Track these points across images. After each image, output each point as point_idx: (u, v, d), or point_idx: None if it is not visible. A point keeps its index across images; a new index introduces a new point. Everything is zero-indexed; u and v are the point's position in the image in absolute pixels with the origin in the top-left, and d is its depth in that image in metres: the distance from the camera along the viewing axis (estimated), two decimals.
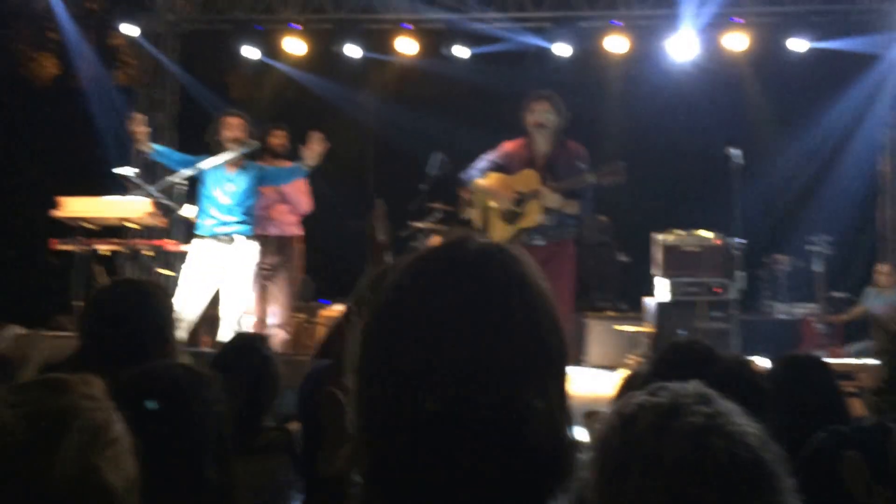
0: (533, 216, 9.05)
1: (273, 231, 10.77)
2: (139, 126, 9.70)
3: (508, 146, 9.48)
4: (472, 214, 9.76)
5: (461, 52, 14.70)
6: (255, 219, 10.34)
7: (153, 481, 2.44)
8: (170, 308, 4.11)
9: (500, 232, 9.19)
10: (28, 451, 1.78)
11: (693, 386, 1.76)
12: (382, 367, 1.58)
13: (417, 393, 1.51)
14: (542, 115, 9.22)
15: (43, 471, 1.77)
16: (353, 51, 14.81)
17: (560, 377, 1.61)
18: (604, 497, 1.70)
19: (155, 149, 9.95)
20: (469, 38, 14.71)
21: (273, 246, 10.70)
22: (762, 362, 6.93)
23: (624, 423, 1.72)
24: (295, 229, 10.95)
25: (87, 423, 1.87)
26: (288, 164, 10.36)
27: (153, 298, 3.99)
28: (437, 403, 1.50)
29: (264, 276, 10.66)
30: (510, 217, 9.23)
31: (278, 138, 11.09)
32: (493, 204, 9.41)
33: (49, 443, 1.80)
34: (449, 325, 1.54)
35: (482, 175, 9.47)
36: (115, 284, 4.24)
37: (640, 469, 1.64)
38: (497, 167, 9.42)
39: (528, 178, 9.15)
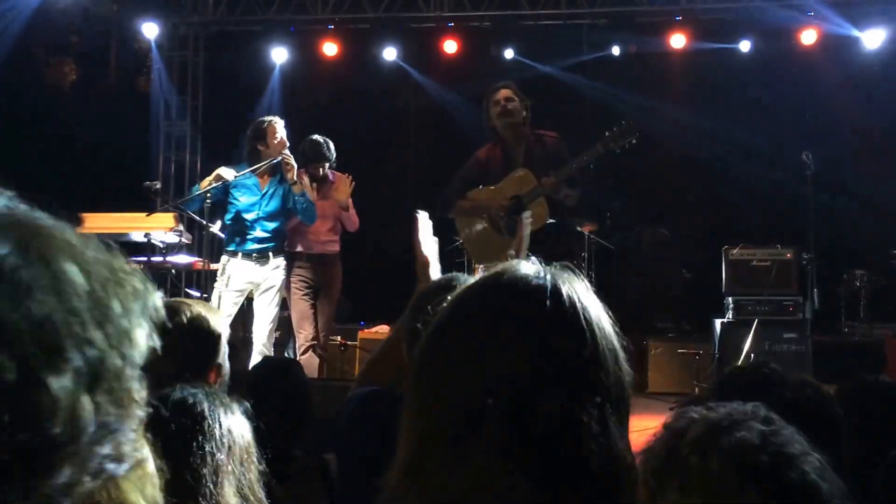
0: (539, 218, 8.61)
1: (315, 249, 10.67)
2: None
3: (480, 154, 9.31)
4: (462, 237, 9.59)
5: (509, 52, 14.78)
6: (294, 235, 10.51)
7: None
8: (218, 333, 4.16)
9: (500, 247, 8.70)
10: None
11: (753, 406, 1.81)
12: (440, 387, 1.66)
13: (477, 412, 1.59)
14: (507, 104, 9.01)
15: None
16: (390, 52, 14.93)
17: (620, 400, 1.67)
18: None
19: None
20: (518, 37, 14.79)
21: (313, 265, 10.67)
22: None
23: (671, 436, 1.79)
24: (336, 247, 10.85)
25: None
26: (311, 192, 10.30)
27: (203, 323, 4.03)
28: (494, 423, 1.57)
29: (304, 296, 10.63)
30: (510, 228, 8.87)
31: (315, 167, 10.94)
32: (480, 225, 9.23)
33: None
34: (510, 351, 1.61)
35: (458, 196, 9.28)
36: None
37: (680, 483, 1.71)
38: (474, 181, 9.24)
39: (521, 179, 8.93)
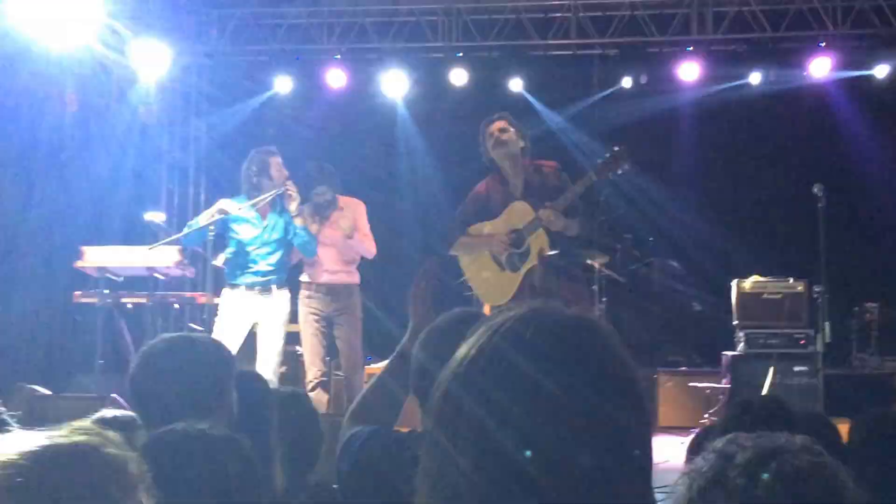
0: (541, 250, 8.75)
1: (321, 278, 10.71)
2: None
3: (480, 189, 9.32)
4: (466, 275, 9.53)
5: (517, 83, 14.87)
6: (303, 264, 10.65)
7: None
8: (231, 365, 4.26)
9: (505, 283, 8.98)
10: (49, 481, 2.01)
11: (802, 438, 1.81)
12: (461, 438, 1.65)
13: (499, 459, 1.60)
14: (500, 135, 9.04)
15: (64, 499, 2.00)
16: (397, 81, 15.10)
17: (646, 445, 1.72)
18: None
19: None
20: (525, 67, 14.89)
21: (321, 295, 10.69)
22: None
23: (719, 458, 1.79)
24: (348, 277, 10.83)
25: (106, 457, 2.09)
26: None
27: (212, 355, 4.14)
28: (520, 471, 1.58)
29: (312, 329, 10.66)
30: (512, 263, 8.95)
31: (320, 196, 10.93)
32: (482, 261, 9.19)
33: (69, 474, 2.03)
34: (538, 395, 1.61)
35: (462, 232, 9.27)
36: (169, 340, 4.25)
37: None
38: (475, 216, 9.22)
39: (518, 212, 8.90)
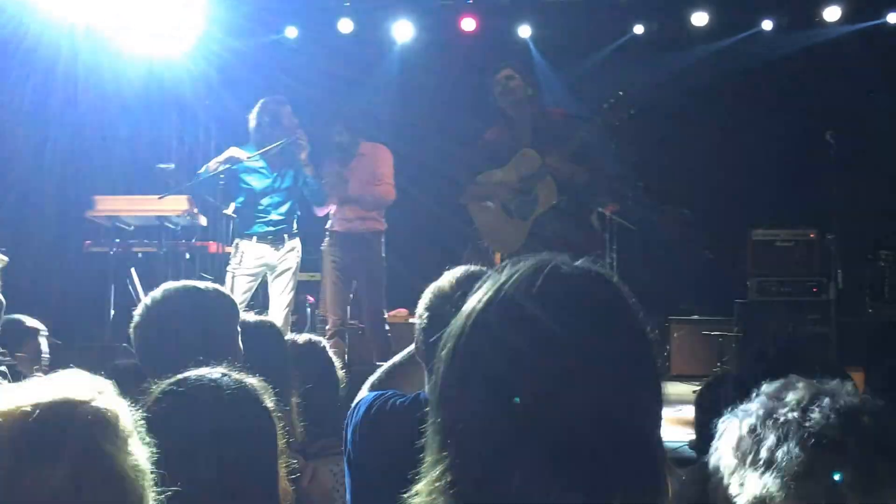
0: (548, 198, 8.81)
1: (338, 226, 10.75)
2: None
3: (489, 136, 9.36)
4: (477, 224, 9.59)
5: (526, 30, 14.83)
6: (330, 213, 10.68)
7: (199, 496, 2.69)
8: (235, 314, 4.27)
9: (514, 231, 9.01)
10: (35, 439, 2.02)
11: (848, 383, 1.91)
12: (472, 392, 1.67)
13: (511, 414, 1.62)
14: (507, 83, 9.08)
15: (52, 457, 2.01)
16: (406, 29, 15.04)
17: (656, 397, 1.73)
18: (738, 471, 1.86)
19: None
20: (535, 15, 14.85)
21: (340, 243, 10.72)
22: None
23: (769, 398, 1.88)
24: (366, 224, 10.75)
25: (95, 411, 2.10)
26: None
27: (216, 304, 4.19)
28: (531, 424, 1.61)
29: (332, 277, 10.70)
30: (521, 210, 8.99)
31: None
32: (491, 209, 9.22)
33: (56, 430, 2.03)
34: (549, 349, 1.64)
35: (471, 181, 9.36)
36: (172, 289, 4.26)
37: (777, 437, 1.80)
38: (484, 164, 9.27)
39: (527, 159, 8.95)
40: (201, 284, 4.35)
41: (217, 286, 4.43)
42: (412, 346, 3.83)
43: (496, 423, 1.63)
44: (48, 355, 8.14)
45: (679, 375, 12.10)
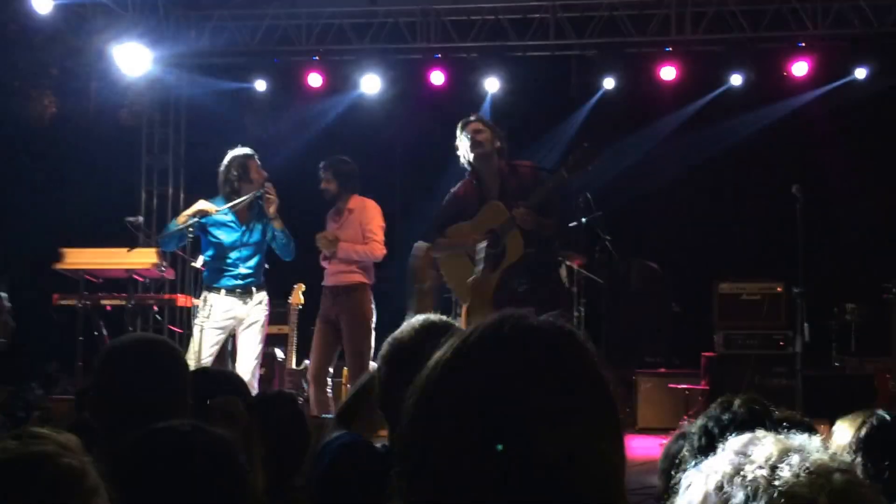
0: (516, 249, 8.78)
1: (326, 281, 10.80)
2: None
3: (457, 190, 9.37)
4: (445, 277, 9.65)
5: (494, 84, 14.89)
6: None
7: None
8: (184, 366, 4.28)
9: (482, 283, 8.94)
10: (1, 491, 2.01)
11: (812, 436, 1.84)
12: (434, 445, 1.68)
13: (472, 469, 1.62)
14: (476, 136, 9.08)
15: None
16: (376, 82, 15.10)
17: (620, 449, 1.74)
18: None
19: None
20: (503, 68, 14.90)
21: (326, 296, 10.79)
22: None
23: (736, 455, 1.80)
24: (350, 277, 10.74)
25: (61, 466, 2.08)
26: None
27: (166, 356, 4.18)
28: (493, 480, 1.60)
29: (318, 329, 10.77)
30: (490, 263, 8.92)
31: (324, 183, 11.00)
32: (459, 262, 9.21)
33: (23, 486, 2.03)
34: (510, 404, 1.64)
35: (440, 234, 9.38)
36: (125, 342, 4.25)
37: (747, 499, 1.72)
38: (452, 217, 9.29)
39: (494, 212, 8.93)
40: (150, 336, 4.37)
41: (164, 339, 4.44)
42: (374, 371, 3.80)
43: (461, 472, 1.64)
44: None
45: (645, 428, 12.12)
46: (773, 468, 1.74)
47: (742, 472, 1.76)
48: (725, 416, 4.46)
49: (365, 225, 10.76)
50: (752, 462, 1.77)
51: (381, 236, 10.78)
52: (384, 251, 10.81)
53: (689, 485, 1.84)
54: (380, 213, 10.91)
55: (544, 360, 1.69)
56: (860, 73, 14.18)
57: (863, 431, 4.15)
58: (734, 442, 1.85)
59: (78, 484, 2.09)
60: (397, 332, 3.66)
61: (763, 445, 1.80)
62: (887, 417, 4.30)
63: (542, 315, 1.80)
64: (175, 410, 3.62)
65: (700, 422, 4.66)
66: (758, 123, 14.82)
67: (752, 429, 1.94)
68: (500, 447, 1.61)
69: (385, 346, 3.64)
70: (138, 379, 3.99)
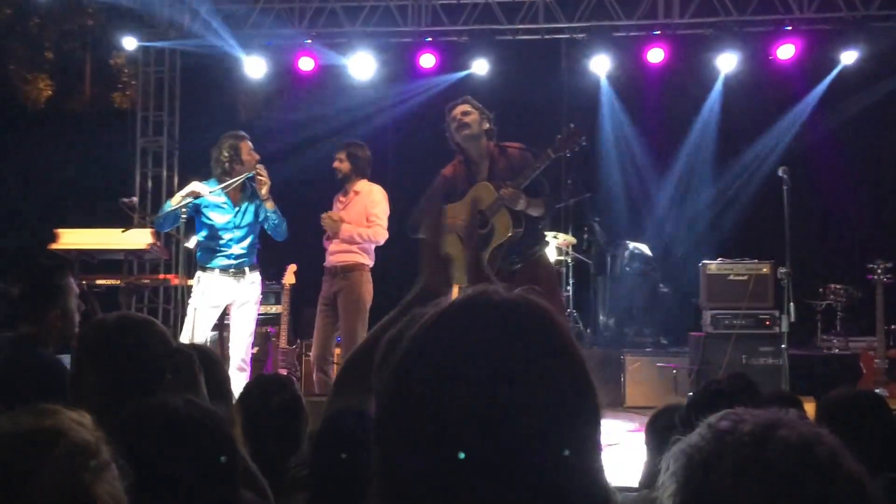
0: (504, 230, 8.71)
1: (326, 261, 10.83)
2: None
3: (446, 172, 9.32)
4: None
5: (481, 66, 14.90)
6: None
7: None
8: (167, 344, 4.25)
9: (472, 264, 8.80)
10: (15, 467, 2.00)
11: (794, 411, 1.84)
12: (409, 420, 1.67)
13: (446, 443, 1.61)
14: (463, 118, 9.06)
15: (31, 485, 1.98)
16: (367, 65, 15.12)
17: (593, 423, 1.71)
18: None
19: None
20: (494, 51, 14.88)
21: (325, 277, 10.83)
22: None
23: (718, 432, 1.81)
24: (348, 258, 10.77)
25: (75, 440, 2.07)
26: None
27: (149, 333, 4.15)
28: (467, 454, 1.59)
29: (319, 310, 10.77)
30: (478, 243, 8.64)
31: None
32: (450, 240, 9.07)
33: (36, 458, 2.01)
34: (481, 377, 1.63)
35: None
36: (107, 320, 4.23)
37: (734, 473, 1.73)
38: (441, 199, 9.13)
39: (482, 192, 8.87)
40: (134, 315, 4.35)
41: (150, 318, 4.41)
42: (376, 327, 3.75)
43: (428, 447, 1.64)
44: None
45: (633, 407, 12.12)
46: (758, 444, 1.74)
47: (726, 450, 1.76)
48: (713, 391, 4.48)
49: (370, 208, 10.79)
50: (737, 439, 1.77)
51: (384, 221, 10.81)
52: (386, 236, 10.81)
53: (673, 462, 1.84)
54: (386, 199, 10.93)
55: (509, 334, 1.69)
56: (847, 56, 14.15)
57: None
58: (715, 419, 1.85)
59: (91, 458, 2.08)
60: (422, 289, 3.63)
61: (745, 422, 1.79)
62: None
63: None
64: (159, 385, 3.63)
65: (688, 397, 4.65)
66: (746, 105, 14.82)
67: (740, 404, 1.93)
68: (472, 412, 1.61)
69: (407, 304, 3.54)
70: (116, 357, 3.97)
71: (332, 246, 10.75)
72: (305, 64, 15.06)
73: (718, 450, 1.77)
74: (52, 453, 2.03)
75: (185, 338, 9.38)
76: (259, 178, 9.96)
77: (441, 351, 1.69)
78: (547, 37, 15.05)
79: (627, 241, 14.67)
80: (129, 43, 14.89)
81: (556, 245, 13.61)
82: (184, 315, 10.34)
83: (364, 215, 10.77)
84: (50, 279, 5.86)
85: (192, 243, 10.44)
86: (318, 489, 3.76)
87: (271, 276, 11.48)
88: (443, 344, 1.70)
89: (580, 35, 14.80)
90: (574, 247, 14.18)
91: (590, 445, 1.69)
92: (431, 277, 3.63)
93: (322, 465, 3.70)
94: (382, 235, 10.77)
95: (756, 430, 1.76)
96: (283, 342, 11.66)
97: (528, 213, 8.73)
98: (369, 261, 10.84)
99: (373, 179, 11.03)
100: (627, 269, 14.43)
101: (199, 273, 10.14)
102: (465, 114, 9.09)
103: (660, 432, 4.52)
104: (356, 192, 10.85)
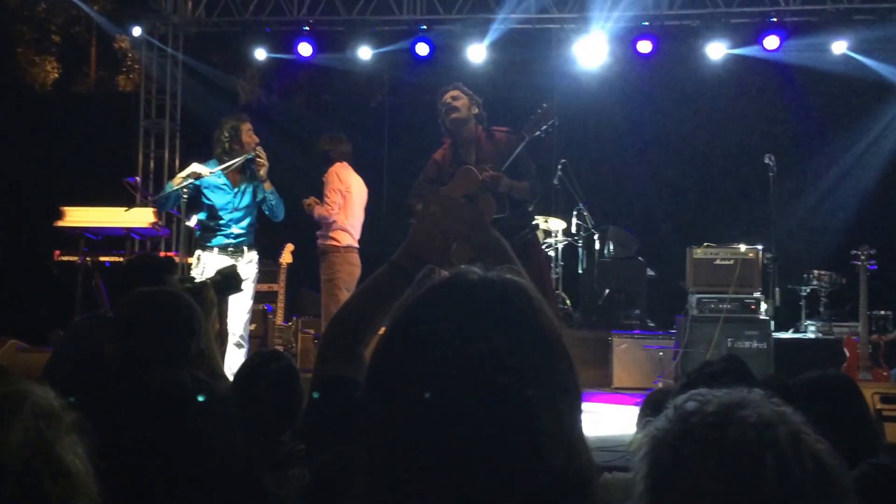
0: (489, 213, 8.59)
1: (319, 242, 11.02)
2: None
3: (437, 155, 9.39)
4: None
5: (480, 53, 14.85)
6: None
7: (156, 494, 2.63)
8: (198, 319, 4.19)
9: (459, 247, 8.69)
10: None
11: (759, 391, 1.80)
12: (392, 394, 1.66)
13: (427, 420, 1.60)
14: (453, 103, 9.12)
15: None
16: (364, 52, 15.03)
17: (573, 401, 1.69)
18: (654, 490, 1.77)
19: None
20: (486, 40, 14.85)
21: (318, 257, 11.02)
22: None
23: (684, 413, 1.78)
24: (322, 239, 11.01)
25: (39, 403, 2.05)
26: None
27: (183, 308, 4.09)
28: (447, 432, 1.58)
29: (323, 289, 10.98)
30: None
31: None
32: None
33: (2, 419, 1.99)
34: (458, 355, 1.61)
35: (419, 199, 9.14)
36: (144, 294, 4.19)
37: (697, 456, 1.70)
38: (432, 183, 9.26)
39: (467, 176, 8.88)
40: (169, 290, 4.32)
41: (175, 291, 4.36)
42: (363, 285, 3.69)
43: (407, 425, 1.63)
44: None
45: (620, 388, 12.10)
46: (721, 426, 1.72)
47: (690, 431, 1.74)
48: (706, 374, 4.42)
49: (326, 190, 11.02)
50: (700, 420, 1.75)
51: (332, 198, 10.98)
52: (331, 213, 10.94)
53: (642, 445, 1.82)
54: (336, 177, 11.05)
55: (490, 309, 1.68)
56: (837, 47, 14.11)
57: None
58: (680, 400, 1.82)
59: (56, 420, 2.08)
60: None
61: (709, 403, 1.77)
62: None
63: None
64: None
65: (683, 379, 4.60)
66: (734, 93, 14.83)
67: (733, 386, 1.90)
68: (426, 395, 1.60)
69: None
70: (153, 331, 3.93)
71: (318, 227, 11.03)
72: (303, 49, 15.00)
73: (684, 431, 1.75)
74: (17, 414, 2.02)
75: None
76: (258, 159, 9.96)
77: (419, 330, 1.69)
78: (538, 26, 15.00)
79: (615, 226, 14.64)
80: (134, 31, 14.92)
81: (544, 228, 13.64)
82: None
83: (323, 196, 11.02)
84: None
85: (192, 221, 10.43)
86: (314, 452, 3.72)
87: (269, 255, 11.46)
88: (421, 323, 1.70)
89: (570, 25, 14.76)
90: (563, 230, 14.18)
91: (569, 422, 1.68)
92: (422, 237, 3.51)
93: (311, 433, 3.67)
94: (327, 212, 10.97)
95: (719, 409, 1.74)
96: (279, 319, 11.67)
97: (513, 196, 8.70)
98: (344, 242, 11.02)
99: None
100: (615, 252, 14.40)
101: (198, 251, 10.14)
102: (454, 98, 9.16)
103: (652, 415, 4.47)
104: (323, 180, 11.13)
